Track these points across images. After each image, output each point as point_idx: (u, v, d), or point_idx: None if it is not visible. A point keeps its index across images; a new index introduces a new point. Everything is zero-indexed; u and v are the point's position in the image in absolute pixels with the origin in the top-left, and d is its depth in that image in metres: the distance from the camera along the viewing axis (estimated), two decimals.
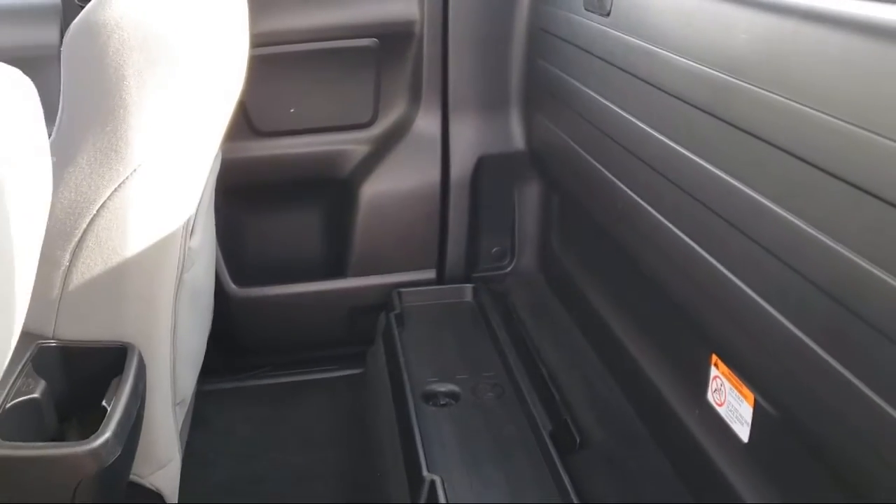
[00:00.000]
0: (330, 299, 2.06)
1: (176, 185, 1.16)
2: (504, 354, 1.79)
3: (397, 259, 2.06)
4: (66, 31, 1.95)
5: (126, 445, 1.05)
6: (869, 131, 0.84)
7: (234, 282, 1.99)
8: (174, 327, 1.27)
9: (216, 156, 1.38)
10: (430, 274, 2.09)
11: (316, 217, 2.10)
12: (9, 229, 0.67)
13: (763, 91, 1.01)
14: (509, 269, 2.16)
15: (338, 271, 2.06)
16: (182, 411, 1.41)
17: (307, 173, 2.03)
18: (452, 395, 1.68)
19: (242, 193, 1.98)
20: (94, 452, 0.96)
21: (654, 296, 1.47)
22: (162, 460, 1.31)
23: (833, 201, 0.90)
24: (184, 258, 1.25)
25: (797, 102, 0.95)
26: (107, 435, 0.97)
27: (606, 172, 1.54)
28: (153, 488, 1.31)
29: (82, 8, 1.81)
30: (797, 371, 0.99)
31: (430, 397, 1.67)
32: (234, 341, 2.06)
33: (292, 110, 1.96)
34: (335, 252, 2.07)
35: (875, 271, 0.84)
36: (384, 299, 2.05)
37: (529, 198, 2.11)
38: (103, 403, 1.04)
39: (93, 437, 0.97)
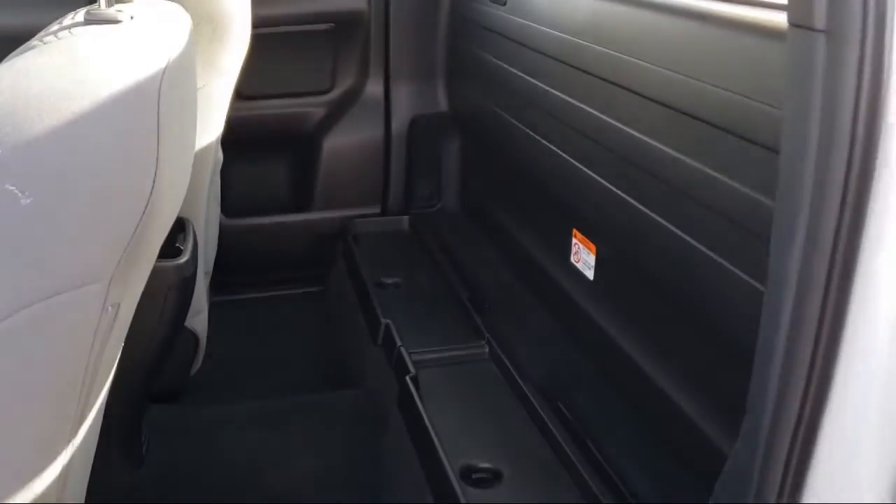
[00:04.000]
0: (297, 228, 2.64)
1: (215, 105, 1.73)
2: (435, 260, 2.39)
3: (350, 197, 2.65)
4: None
5: (191, 278, 1.60)
6: (649, 63, 1.47)
7: (222, 212, 2.54)
8: (206, 215, 1.83)
9: None
10: (376, 209, 2.69)
11: (286, 163, 2.68)
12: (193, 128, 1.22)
13: (595, 46, 1.64)
14: (437, 207, 2.76)
15: (304, 206, 2.64)
16: (206, 280, 1.97)
17: (279, 129, 2.60)
18: (396, 285, 2.27)
19: (227, 145, 2.53)
20: (179, 266, 1.51)
21: (539, 202, 2.09)
22: (197, 308, 1.86)
23: (630, 107, 1.53)
24: (214, 163, 1.82)
25: (613, 51, 1.59)
26: (186, 256, 1.53)
27: (508, 117, 2.16)
28: (191, 329, 1.86)
29: None
30: (630, 224, 1.60)
31: (382, 286, 2.26)
32: (219, 262, 2.60)
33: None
34: (301, 191, 2.65)
35: (652, 142, 1.47)
36: (339, 228, 2.63)
37: (452, 150, 2.72)
38: (177, 245, 1.60)
39: (178, 257, 1.52)
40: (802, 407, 0.82)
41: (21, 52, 0.87)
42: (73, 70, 0.81)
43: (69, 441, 0.88)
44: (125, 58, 0.83)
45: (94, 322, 0.82)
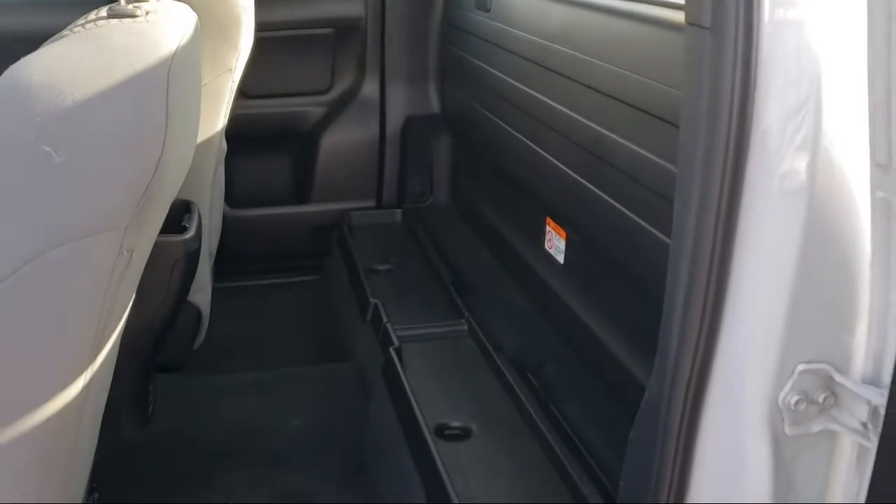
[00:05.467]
0: (296, 219, 2.81)
1: (220, 99, 1.90)
2: (425, 250, 2.56)
3: (346, 191, 2.83)
4: None
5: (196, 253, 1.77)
6: (604, 62, 1.64)
7: (227, 203, 2.72)
8: (211, 200, 2.00)
9: None
10: (371, 203, 2.86)
11: (287, 158, 2.86)
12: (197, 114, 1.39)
13: (561, 48, 1.81)
14: (429, 202, 2.93)
15: (303, 199, 2.81)
16: (210, 261, 2.14)
17: (281, 126, 2.78)
18: (388, 272, 2.44)
19: (232, 140, 2.71)
20: (185, 241, 1.68)
21: (518, 194, 2.26)
22: (201, 285, 2.03)
23: (588, 102, 1.70)
24: (218, 153, 1.99)
25: (579, 53, 1.76)
26: (191, 233, 1.70)
27: (491, 116, 2.33)
28: (195, 304, 2.03)
29: None
30: (592, 209, 1.76)
31: (373, 271, 2.43)
32: (223, 250, 2.77)
33: None
34: (301, 184, 2.82)
35: (607, 133, 1.64)
36: (336, 220, 2.80)
37: (443, 148, 2.89)
38: (183, 223, 1.77)
39: (184, 234, 1.69)
40: (698, 340, 0.98)
41: (54, 40, 1.05)
42: (98, 55, 0.99)
43: (89, 366, 1.05)
44: (141, 46, 1.00)
45: (111, 263, 0.99)
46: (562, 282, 1.99)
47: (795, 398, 0.95)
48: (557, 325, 1.98)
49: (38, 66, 0.97)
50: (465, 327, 2.06)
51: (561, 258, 1.99)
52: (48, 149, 0.93)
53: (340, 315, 2.38)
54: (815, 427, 0.97)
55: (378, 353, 2.01)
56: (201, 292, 2.05)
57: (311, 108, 2.78)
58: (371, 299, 2.16)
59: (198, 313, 2.07)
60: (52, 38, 1.06)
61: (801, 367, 0.95)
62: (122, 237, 0.99)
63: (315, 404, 2.00)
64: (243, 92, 2.70)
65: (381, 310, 2.10)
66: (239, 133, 2.72)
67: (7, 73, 0.96)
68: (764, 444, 0.97)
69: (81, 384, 1.05)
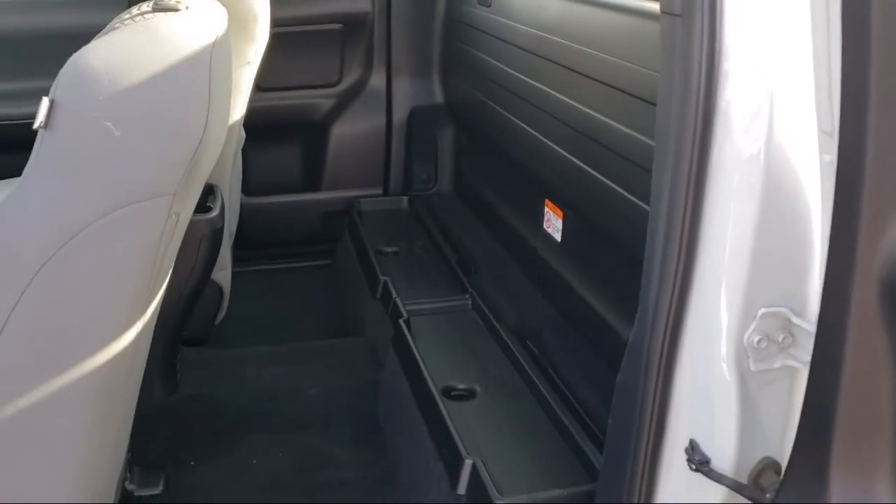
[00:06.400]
0: (308, 206, 2.96)
1: (240, 89, 2.04)
2: (431, 234, 2.70)
3: (355, 179, 2.97)
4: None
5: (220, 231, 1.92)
6: (600, 52, 1.79)
7: (242, 191, 2.86)
8: (231, 185, 2.15)
9: None
10: (379, 190, 3.01)
11: (298, 148, 3.00)
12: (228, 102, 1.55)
13: (557, 39, 1.96)
14: (433, 190, 3.08)
15: (314, 187, 2.96)
16: (230, 241, 2.29)
17: (292, 118, 2.93)
18: (396, 254, 2.59)
19: (247, 131, 2.85)
20: (210, 220, 1.82)
21: (518, 178, 2.41)
22: (222, 264, 2.17)
23: (585, 89, 1.84)
24: (237, 141, 2.14)
25: (574, 43, 1.90)
26: (216, 211, 1.84)
27: (492, 104, 2.47)
28: (217, 282, 2.18)
29: None
30: (587, 188, 1.91)
31: (382, 253, 2.57)
32: (238, 236, 2.92)
33: None
34: (312, 173, 2.97)
35: (601, 117, 1.78)
36: (346, 207, 2.95)
37: (447, 138, 3.04)
38: (208, 204, 1.91)
39: (209, 213, 1.84)
40: (673, 290, 1.12)
41: (107, 31, 1.19)
42: (149, 44, 1.13)
43: (140, 317, 1.19)
44: (186, 36, 1.15)
45: (161, 224, 1.14)
46: (559, 258, 2.14)
47: (758, 338, 1.10)
48: (555, 297, 2.12)
49: (99, 53, 1.11)
50: (469, 302, 2.20)
51: (558, 237, 2.14)
52: (109, 124, 1.07)
53: (351, 293, 2.53)
54: (776, 363, 1.11)
55: (388, 327, 2.16)
56: (223, 271, 2.20)
57: (320, 100, 2.93)
58: (381, 276, 2.30)
59: (220, 290, 2.21)
60: (104, 30, 1.21)
61: (762, 310, 1.09)
62: (172, 202, 1.14)
63: (331, 373, 2.14)
64: (257, 85, 2.84)
65: (391, 286, 2.25)
66: (253, 124, 2.86)
67: (72, 59, 1.10)
68: (732, 379, 1.12)
69: (134, 334, 1.20)
